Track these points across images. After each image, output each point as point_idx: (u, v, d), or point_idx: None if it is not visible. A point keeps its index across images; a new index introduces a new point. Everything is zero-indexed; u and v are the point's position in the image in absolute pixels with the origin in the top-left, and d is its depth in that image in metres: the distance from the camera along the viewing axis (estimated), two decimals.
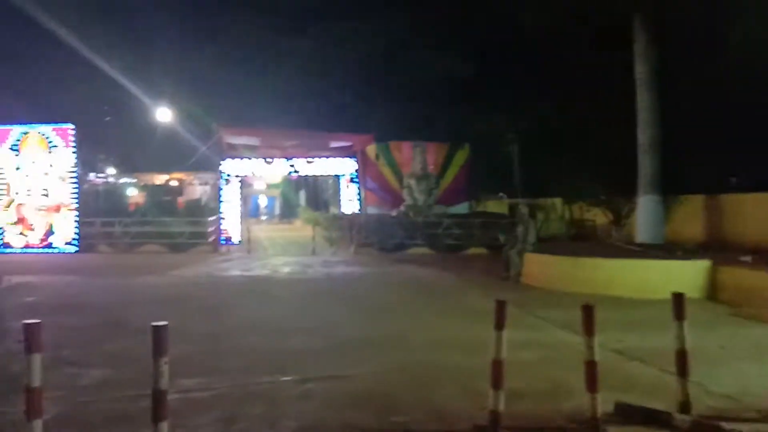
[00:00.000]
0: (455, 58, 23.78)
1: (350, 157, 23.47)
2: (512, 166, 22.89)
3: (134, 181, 54.69)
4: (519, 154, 18.72)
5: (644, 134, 14.31)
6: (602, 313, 8.74)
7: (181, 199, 28.08)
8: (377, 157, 20.75)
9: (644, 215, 14.39)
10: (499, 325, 4.03)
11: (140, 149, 35.95)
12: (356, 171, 23.06)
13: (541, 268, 11.11)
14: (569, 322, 7.62)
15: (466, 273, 12.86)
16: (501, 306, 4.08)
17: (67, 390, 5.06)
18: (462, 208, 23.03)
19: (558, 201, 22.13)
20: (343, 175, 23.09)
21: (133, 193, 43.29)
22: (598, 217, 18.33)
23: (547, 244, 11.99)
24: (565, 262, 10.75)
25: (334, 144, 22.62)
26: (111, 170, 67.66)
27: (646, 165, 14.24)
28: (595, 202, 17.90)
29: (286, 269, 13.63)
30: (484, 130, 22.83)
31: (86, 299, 9.56)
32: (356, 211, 23.00)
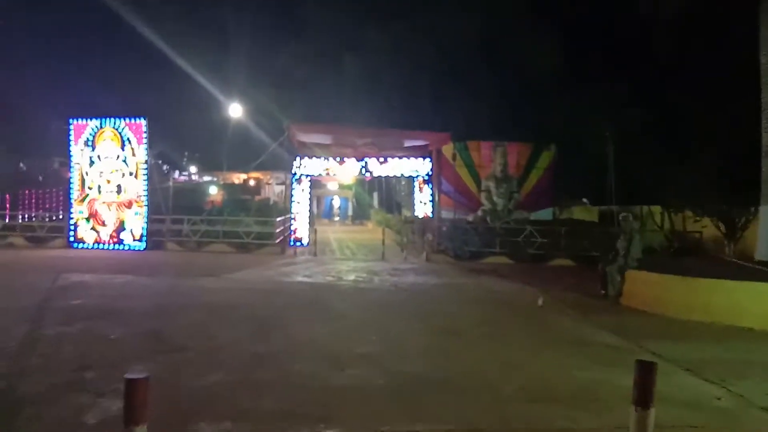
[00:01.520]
0: (543, 50, 21.89)
1: (425, 158, 22.15)
2: (605, 169, 20.74)
3: (214, 179, 56.01)
4: (615, 155, 16.64)
5: None
6: (737, 352, 7.01)
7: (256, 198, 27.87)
8: (454, 157, 19.30)
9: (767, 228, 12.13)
10: (645, 401, 2.55)
11: (219, 148, 36.35)
12: (431, 172, 21.73)
13: (647, 288, 9.30)
14: (696, 362, 5.95)
15: (554, 289, 11.19)
16: (647, 371, 2.59)
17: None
18: (545, 214, 21.15)
19: (656, 209, 19.77)
20: (417, 176, 21.82)
21: (213, 192, 44.21)
22: (707, 228, 15.96)
23: (646, 260, 10.10)
24: (679, 283, 8.90)
25: (408, 143, 21.35)
26: (193, 168, 69.56)
27: None
28: (704, 211, 15.60)
29: (352, 276, 12.50)
30: (575, 130, 20.83)
31: (134, 303, 8.81)
32: (429, 214, 21.68)
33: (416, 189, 22.37)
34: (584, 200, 29.40)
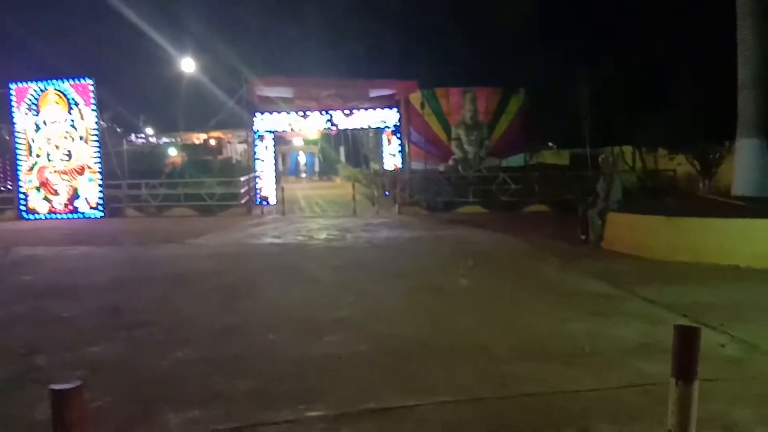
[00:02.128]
0: None
1: (392, 108, 21.44)
2: (574, 113, 20.42)
3: (173, 140, 54.10)
4: (588, 98, 16.24)
5: (746, 68, 11.82)
6: (729, 293, 6.80)
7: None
8: (422, 105, 18.64)
9: (744, 162, 11.98)
10: (688, 373, 2.12)
11: (175, 107, 34.81)
12: (398, 122, 21.08)
13: (629, 231, 9.06)
14: (691, 307, 5.71)
15: (533, 236, 10.92)
16: (690, 337, 2.15)
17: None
18: (516, 160, 20.90)
19: (627, 149, 19.64)
20: (385, 127, 21.16)
21: (172, 154, 42.61)
22: (681, 166, 15.87)
23: (623, 202, 9.85)
24: (663, 224, 8.66)
25: (374, 93, 20.57)
26: (150, 131, 67.36)
27: (748, 104, 11.78)
28: (678, 148, 15.45)
29: (323, 234, 11.99)
30: (545, 74, 20.34)
31: (91, 277, 8.16)
32: (399, 166, 21.16)
33: (384, 141, 21.77)
34: (550, 144, 29.21)
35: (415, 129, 19.45)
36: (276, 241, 11.33)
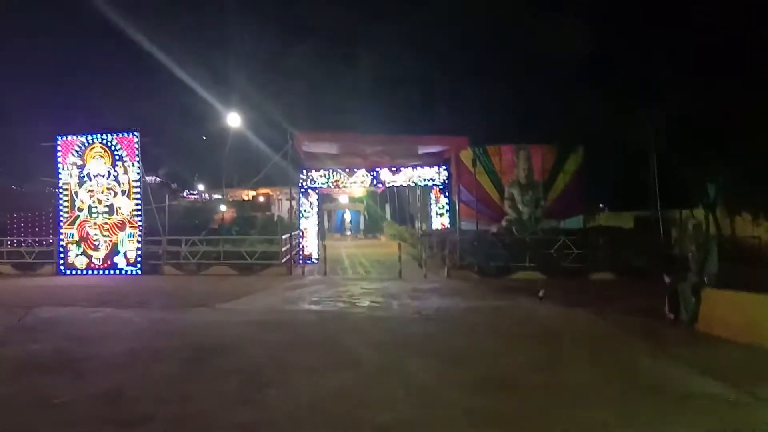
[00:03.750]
0: (565, 44, 20.25)
1: (440, 165, 20.56)
2: (633, 171, 19.02)
3: (223, 197, 54.85)
4: (654, 152, 14.85)
5: None
6: None
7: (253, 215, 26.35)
8: (474, 163, 17.60)
9: None
10: None
11: (225, 164, 35.05)
12: (447, 180, 20.11)
13: (733, 311, 7.52)
14: None
15: (607, 311, 9.45)
16: None
17: None
18: (575, 222, 19.40)
19: (699, 213, 17.95)
20: (433, 185, 20.21)
21: (222, 209, 42.95)
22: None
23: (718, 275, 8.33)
24: None
25: (422, 149, 19.78)
26: (202, 186, 68.68)
27: None
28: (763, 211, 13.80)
29: (366, 301, 10.83)
30: (601, 129, 19.17)
31: (102, 348, 7.21)
32: (447, 225, 20.02)
33: (432, 199, 20.78)
34: (602, 206, 27.50)
35: (465, 187, 18.39)
36: (314, 308, 10.23)
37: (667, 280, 8.56)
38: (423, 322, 8.84)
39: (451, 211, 20.53)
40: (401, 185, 20.53)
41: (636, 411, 4.74)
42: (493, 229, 17.25)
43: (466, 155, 18.36)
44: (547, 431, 4.35)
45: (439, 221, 20.52)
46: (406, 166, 20.39)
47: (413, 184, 20.45)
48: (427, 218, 22.93)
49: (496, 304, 10.55)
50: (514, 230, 16.88)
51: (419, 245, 20.55)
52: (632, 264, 13.65)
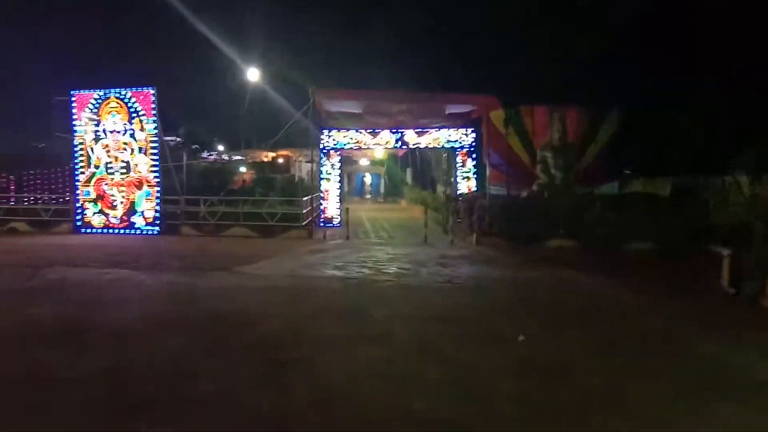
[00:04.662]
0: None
1: (468, 127, 19.62)
2: (678, 134, 17.90)
3: (243, 158, 54.42)
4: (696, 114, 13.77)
5: None
6: None
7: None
8: (506, 124, 16.62)
9: None
10: None
11: (245, 125, 34.39)
12: (475, 142, 19.21)
13: None
14: None
15: (654, 285, 8.70)
16: None
17: None
18: (609, 188, 18.40)
19: (743, 179, 16.82)
20: (460, 147, 19.32)
21: (242, 171, 42.53)
22: None
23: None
24: None
25: (450, 109, 18.83)
26: (221, 147, 68.38)
27: None
28: None
29: (393, 267, 10.19)
30: (640, 92, 18.01)
31: (111, 314, 6.71)
32: (474, 190, 19.19)
33: (458, 162, 19.92)
34: (626, 172, 26.21)
35: (494, 150, 17.45)
36: (338, 273, 9.63)
37: (725, 252, 7.75)
38: (455, 292, 8.19)
39: (479, 174, 19.67)
40: (426, 147, 19.67)
41: (712, 409, 4.04)
42: (524, 194, 16.40)
43: (497, 116, 17.35)
44: (607, 428, 3.70)
45: (466, 185, 19.70)
46: (431, 127, 19.52)
47: (439, 146, 19.59)
48: (451, 182, 22.12)
49: (531, 274, 9.85)
50: (545, 195, 16.01)
51: (444, 210, 19.82)
52: (673, 233, 12.76)
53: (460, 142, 19.23)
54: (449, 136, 19.14)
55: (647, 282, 8.89)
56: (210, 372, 4.70)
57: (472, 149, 19.43)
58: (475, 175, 19.77)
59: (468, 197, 16.82)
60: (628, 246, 13.39)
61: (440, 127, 19.46)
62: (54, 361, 4.92)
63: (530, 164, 17.34)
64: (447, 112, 18.98)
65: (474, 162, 19.68)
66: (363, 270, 9.95)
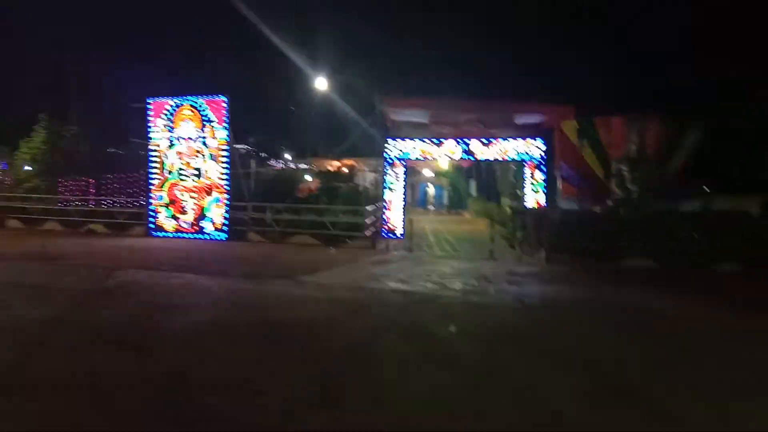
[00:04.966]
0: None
1: (537, 138, 18.93)
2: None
3: (309, 166, 55.48)
4: None
5: None
6: None
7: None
8: (580, 135, 15.92)
9: None
10: None
11: (310, 133, 34.95)
12: (545, 154, 18.50)
13: None
14: None
15: (758, 312, 7.89)
16: None
17: None
18: (691, 203, 17.24)
19: None
20: (528, 159, 18.66)
21: (308, 179, 43.25)
22: None
23: None
24: None
25: (520, 119, 18.25)
26: (288, 156, 70.09)
27: None
28: None
29: (458, 283, 9.80)
30: (724, 102, 16.80)
31: (176, 319, 6.70)
32: (542, 204, 18.47)
33: (526, 175, 19.25)
34: (704, 188, 24.52)
35: (566, 162, 16.74)
36: (401, 287, 9.34)
37: None
38: (527, 313, 7.71)
39: (548, 187, 18.94)
40: (493, 158, 19.14)
41: None
42: (597, 208, 15.60)
43: (570, 126, 16.65)
44: None
45: (534, 198, 19.01)
46: (499, 138, 18.98)
47: (506, 158, 19.01)
48: (517, 195, 21.44)
49: (608, 295, 9.19)
50: (621, 211, 15.15)
51: (511, 224, 19.18)
52: (763, 252, 11.70)
53: (529, 154, 18.58)
54: (518, 147, 18.54)
55: (748, 309, 8.08)
56: (267, 386, 4.51)
57: (542, 161, 18.74)
58: (544, 188, 19.04)
59: (537, 211, 16.17)
60: (713, 266, 12.41)
61: (508, 138, 18.88)
62: (118, 365, 4.89)
63: (604, 177, 16.52)
64: (516, 122, 18.42)
65: (543, 174, 18.97)
66: (427, 284, 9.61)
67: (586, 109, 17.22)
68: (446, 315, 7.36)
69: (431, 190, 45.39)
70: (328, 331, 6.27)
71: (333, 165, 56.48)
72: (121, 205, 18.05)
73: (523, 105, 17.99)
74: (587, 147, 16.49)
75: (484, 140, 18.60)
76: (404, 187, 19.76)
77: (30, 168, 19.46)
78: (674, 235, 13.05)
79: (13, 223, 18.54)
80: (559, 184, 16.43)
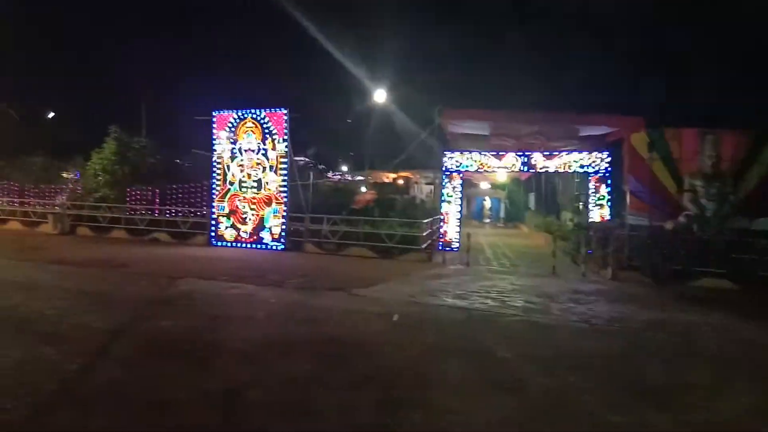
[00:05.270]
0: None
1: (601, 150, 18.22)
2: None
3: (364, 178, 55.79)
4: None
5: None
6: None
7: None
8: (650, 148, 15.11)
9: None
10: None
11: (367, 145, 35.13)
12: (609, 167, 17.77)
13: None
14: None
15: None
16: None
17: None
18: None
19: None
20: (593, 172, 17.97)
21: (363, 191, 43.46)
22: None
23: None
24: None
25: (585, 131, 17.59)
26: (345, 168, 70.83)
27: None
28: None
29: (519, 300, 9.39)
30: None
31: (233, 332, 6.67)
32: (607, 219, 17.69)
33: (590, 188, 18.52)
34: None
35: (634, 176, 15.92)
36: (459, 303, 9.03)
37: None
38: (595, 335, 7.24)
39: (613, 202, 18.15)
40: (555, 171, 18.53)
41: None
42: (668, 225, 14.73)
43: (639, 139, 15.82)
44: None
45: (598, 213, 18.26)
46: (562, 151, 18.37)
47: (569, 170, 18.36)
48: (581, 209, 20.67)
49: (684, 317, 8.55)
50: (695, 228, 14.26)
51: (573, 239, 18.47)
52: None
53: (594, 167, 17.91)
54: (581, 159, 17.91)
55: None
56: (322, 406, 4.34)
57: (607, 174, 18.00)
58: (609, 203, 18.27)
59: (603, 226, 15.45)
60: None
61: (571, 151, 18.26)
62: (176, 379, 4.84)
63: (675, 193, 15.60)
64: (581, 134, 17.76)
65: (608, 188, 18.21)
66: (486, 301, 9.26)
67: (657, 120, 16.36)
68: (507, 335, 7.00)
69: (487, 202, 44.67)
70: (385, 350, 6.06)
71: (388, 177, 56.64)
72: (184, 215, 18.54)
73: (589, 117, 17.33)
74: (657, 160, 15.63)
75: (545, 153, 18.05)
76: (461, 200, 19.43)
77: (100, 178, 20.31)
78: (752, 254, 12.16)
79: (83, 230, 19.37)
80: (627, 198, 15.61)
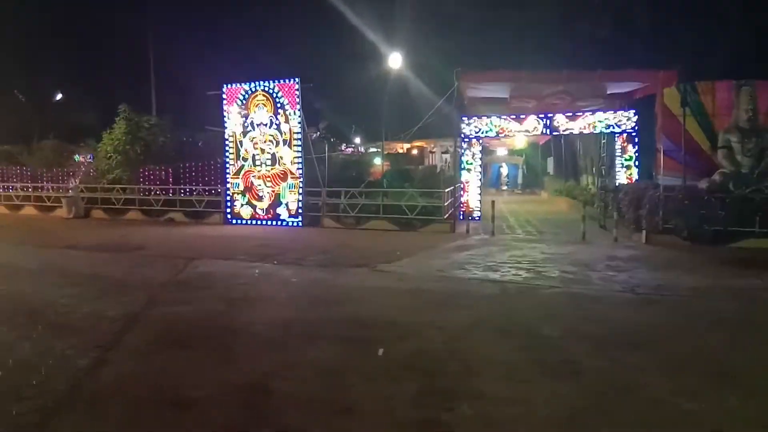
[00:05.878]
0: None
1: (628, 109, 17.39)
2: None
3: (378, 150, 55.04)
4: None
5: None
6: None
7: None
8: (683, 103, 14.25)
9: None
10: None
11: (381, 117, 34.31)
12: (637, 125, 16.96)
13: None
14: None
15: None
16: None
17: None
18: None
19: None
20: (620, 132, 17.17)
21: (377, 162, 42.84)
22: None
23: None
24: None
25: (613, 89, 16.74)
26: (358, 140, 70.18)
27: None
28: None
29: (554, 270, 8.85)
30: None
31: (254, 315, 6.25)
32: (635, 180, 16.94)
33: (617, 149, 17.75)
34: None
35: (666, 134, 15.11)
36: (491, 275, 8.52)
37: None
38: (643, 305, 6.70)
39: (641, 162, 17.38)
40: (580, 132, 17.74)
41: None
42: (702, 184, 13.99)
43: (671, 94, 14.95)
44: None
45: (625, 175, 17.51)
46: (585, 111, 17.56)
47: (594, 131, 17.56)
48: (602, 171, 19.91)
49: (736, 283, 7.96)
50: (730, 186, 13.51)
51: (599, 203, 17.78)
52: None
53: (620, 126, 17.09)
54: (607, 119, 17.08)
55: None
56: (359, 403, 3.88)
57: (634, 133, 17.19)
58: (636, 163, 17.50)
59: (633, 188, 14.73)
60: None
61: (596, 110, 17.43)
62: (196, 372, 4.43)
63: (709, 150, 14.81)
64: (609, 91, 16.95)
65: (636, 148, 17.42)
66: (519, 272, 8.74)
67: (691, 74, 15.43)
68: (548, 309, 6.50)
69: (504, 169, 43.77)
70: (418, 330, 5.59)
71: (403, 147, 55.75)
72: (198, 194, 18.15)
73: (619, 72, 16.43)
74: (690, 117, 14.78)
75: (569, 113, 17.25)
76: (481, 167, 18.76)
77: (112, 159, 19.93)
78: None
79: (98, 213, 19.12)
80: (660, 158, 14.85)
